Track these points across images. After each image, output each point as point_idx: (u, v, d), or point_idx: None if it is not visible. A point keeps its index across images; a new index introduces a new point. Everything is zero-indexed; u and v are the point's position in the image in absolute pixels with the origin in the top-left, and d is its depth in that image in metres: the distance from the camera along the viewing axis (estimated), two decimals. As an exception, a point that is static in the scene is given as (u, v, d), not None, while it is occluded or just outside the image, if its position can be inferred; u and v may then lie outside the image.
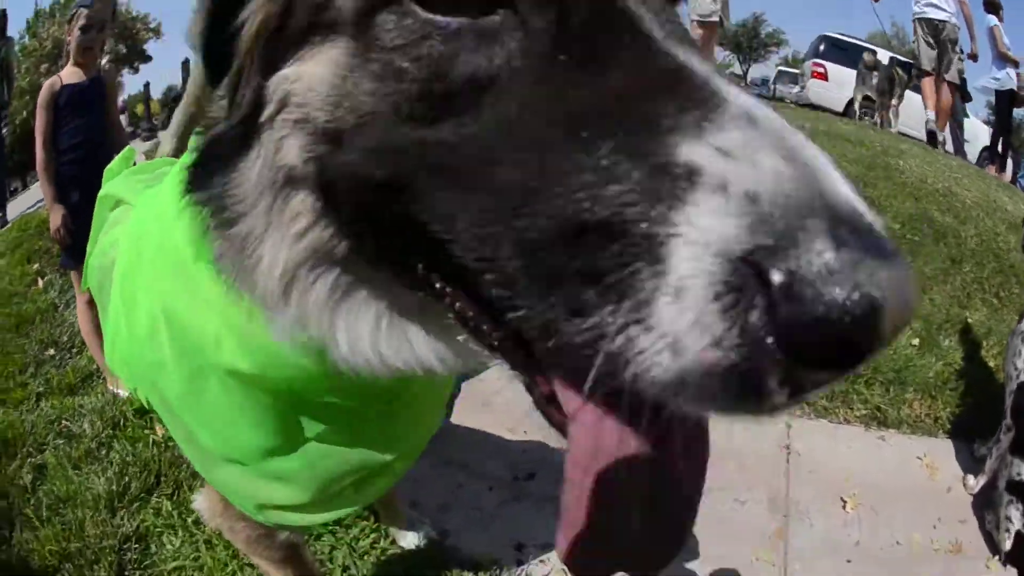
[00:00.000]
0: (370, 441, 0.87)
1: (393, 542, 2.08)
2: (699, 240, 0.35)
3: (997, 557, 2.32)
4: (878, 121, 9.08)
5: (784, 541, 2.28)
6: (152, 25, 19.89)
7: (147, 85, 13.70)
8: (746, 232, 0.35)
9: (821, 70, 9.74)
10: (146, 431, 2.60)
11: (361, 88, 0.49)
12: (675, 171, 0.37)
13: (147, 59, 19.28)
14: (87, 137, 2.73)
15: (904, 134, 8.48)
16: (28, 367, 3.20)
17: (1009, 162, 9.08)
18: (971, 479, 2.63)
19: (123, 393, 2.80)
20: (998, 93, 8.63)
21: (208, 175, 0.60)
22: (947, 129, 8.59)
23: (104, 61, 2.96)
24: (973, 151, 9.15)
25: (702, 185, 0.36)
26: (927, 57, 8.09)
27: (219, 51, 0.57)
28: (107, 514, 2.20)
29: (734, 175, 0.36)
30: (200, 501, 1.15)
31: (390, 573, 2.02)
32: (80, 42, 2.65)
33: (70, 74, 2.69)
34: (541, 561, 2.09)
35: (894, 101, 9.03)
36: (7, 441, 2.61)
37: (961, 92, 8.64)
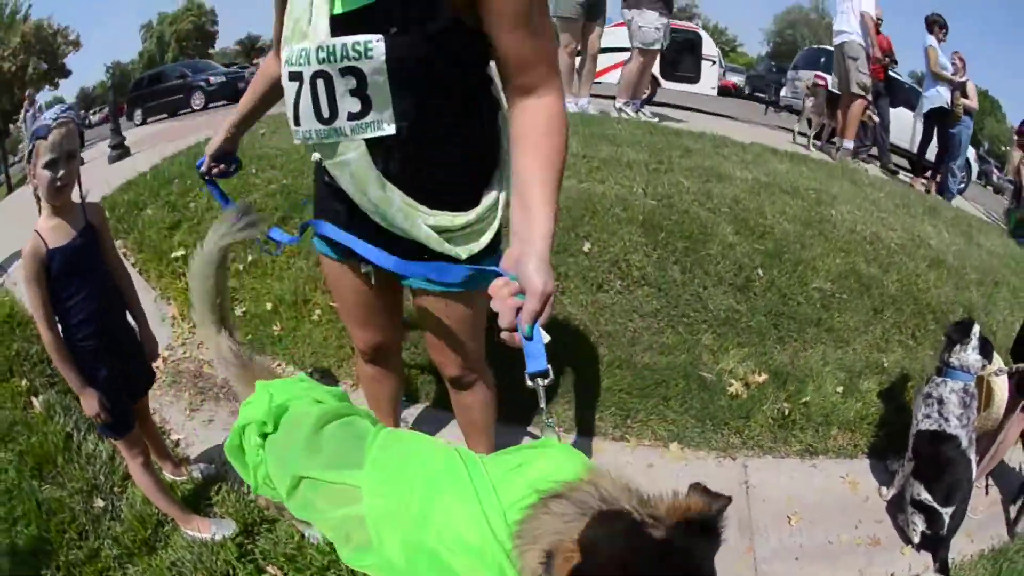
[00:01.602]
0: None
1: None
2: None
3: (911, 546, 3.16)
4: (819, 143, 9.48)
5: (753, 554, 3.11)
6: (72, 38, 18.73)
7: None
8: None
9: (823, 82, 9.95)
10: (263, 574, 2.37)
11: None
12: None
13: (67, 74, 18.50)
14: (99, 305, 2.28)
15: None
16: (85, 528, 2.56)
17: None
18: (884, 489, 3.50)
19: (207, 535, 2.53)
20: (927, 113, 9.25)
21: None
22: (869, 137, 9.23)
23: (81, 192, 2.29)
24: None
25: None
26: (847, 79, 8.58)
27: None
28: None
29: None
30: None
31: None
32: (50, 183, 2.10)
33: (52, 230, 2.17)
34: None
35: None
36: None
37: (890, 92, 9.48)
